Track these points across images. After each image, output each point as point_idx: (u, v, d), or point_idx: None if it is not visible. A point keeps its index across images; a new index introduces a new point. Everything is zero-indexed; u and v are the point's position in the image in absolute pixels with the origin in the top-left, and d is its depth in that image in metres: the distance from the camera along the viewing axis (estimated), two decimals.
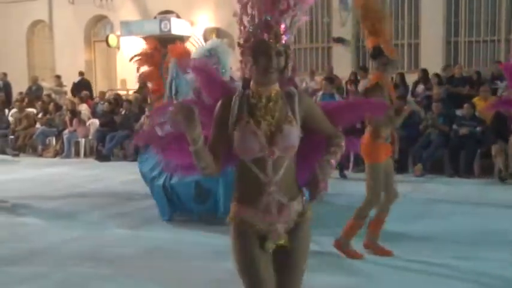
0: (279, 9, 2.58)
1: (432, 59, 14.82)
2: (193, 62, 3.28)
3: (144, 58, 8.87)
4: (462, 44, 15.46)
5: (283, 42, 2.57)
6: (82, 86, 17.28)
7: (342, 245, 5.45)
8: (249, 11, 2.60)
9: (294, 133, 2.58)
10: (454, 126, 10.80)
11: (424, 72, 13.64)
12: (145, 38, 9.09)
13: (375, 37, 5.44)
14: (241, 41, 2.61)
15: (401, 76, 13.91)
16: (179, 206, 7.14)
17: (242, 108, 2.59)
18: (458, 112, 11.21)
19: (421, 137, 10.97)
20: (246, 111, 2.58)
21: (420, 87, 13.23)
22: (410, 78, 13.87)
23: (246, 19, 2.62)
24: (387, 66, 5.40)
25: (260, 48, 2.54)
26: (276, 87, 2.61)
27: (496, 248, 5.79)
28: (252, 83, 2.62)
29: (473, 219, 7.09)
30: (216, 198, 6.76)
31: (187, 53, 7.85)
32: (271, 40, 2.54)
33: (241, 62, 2.63)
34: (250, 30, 2.59)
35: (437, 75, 13.07)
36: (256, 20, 2.58)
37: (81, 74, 17.96)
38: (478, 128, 10.57)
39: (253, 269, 2.61)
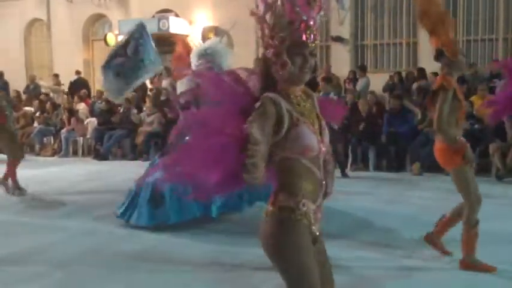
0: (312, 7, 2.58)
1: (430, 58, 14.78)
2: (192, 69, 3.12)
3: (177, 59, 8.68)
4: (460, 43, 15.46)
5: (316, 41, 2.61)
6: (79, 85, 17.27)
7: (470, 263, 5.14)
8: (278, 9, 2.56)
9: (327, 129, 2.69)
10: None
11: (422, 71, 13.66)
12: (177, 39, 8.96)
13: (436, 38, 5.25)
14: (275, 42, 2.54)
15: (399, 75, 13.94)
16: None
17: (290, 110, 2.56)
18: None
19: (419, 136, 10.98)
20: (297, 112, 2.57)
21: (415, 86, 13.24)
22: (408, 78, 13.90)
23: (270, 18, 2.57)
24: (451, 68, 5.18)
25: (297, 49, 2.54)
26: (302, 87, 2.65)
27: (497, 247, 5.79)
28: (281, 83, 2.59)
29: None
30: (167, 207, 6.58)
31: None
32: (308, 40, 2.56)
33: (274, 63, 2.56)
34: (286, 30, 2.53)
35: (435, 74, 13.07)
36: (287, 19, 2.54)
37: (78, 73, 17.94)
38: (476, 126, 10.57)
39: (311, 265, 2.56)
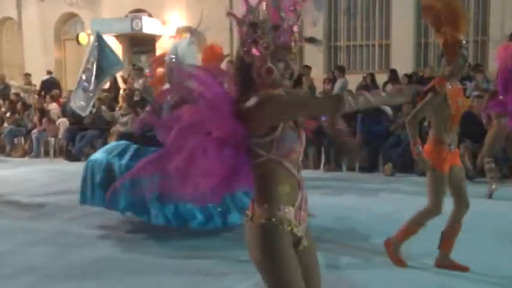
0: (297, 13, 2.56)
1: (402, 60, 14.97)
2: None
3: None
4: (432, 45, 15.64)
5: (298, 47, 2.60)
6: (50, 85, 17.08)
7: (391, 246, 5.22)
8: (261, 13, 2.55)
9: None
10: (425, 124, 10.92)
11: (393, 72, 13.78)
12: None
13: (441, 35, 4.95)
14: (260, 47, 2.50)
15: (372, 76, 14.04)
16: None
17: None
18: None
19: (391, 137, 11.06)
20: None
21: (389, 88, 13.35)
22: (381, 79, 14.00)
23: (252, 21, 2.53)
24: (450, 70, 4.97)
25: (280, 54, 2.53)
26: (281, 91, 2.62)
27: (468, 245, 5.84)
28: (260, 86, 2.55)
29: (444, 217, 7.15)
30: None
31: (221, 57, 7.80)
32: (292, 46, 2.54)
33: (258, 68, 2.52)
34: (270, 35, 2.50)
35: (407, 75, 13.23)
36: (271, 23, 2.52)
37: (49, 72, 17.73)
38: None
39: (293, 271, 2.54)
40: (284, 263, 2.51)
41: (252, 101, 2.47)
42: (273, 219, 2.53)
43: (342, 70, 14.42)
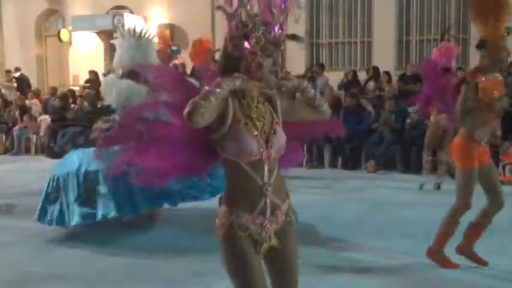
0: (287, 10, 2.61)
1: (384, 58, 15.04)
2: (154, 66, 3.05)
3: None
4: (413, 43, 15.74)
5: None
6: (21, 82, 16.94)
7: (435, 253, 5.12)
8: (251, 8, 2.55)
9: (282, 133, 2.63)
10: (408, 121, 10.99)
11: (375, 70, 13.84)
12: (158, 34, 8.55)
13: (483, 25, 4.72)
14: (251, 41, 2.50)
15: (354, 73, 14.09)
16: None
17: (235, 109, 2.54)
18: (410, 109, 11.40)
19: (373, 134, 11.12)
20: (241, 113, 2.55)
21: (371, 85, 13.42)
22: (362, 77, 14.07)
23: (242, 16, 2.54)
24: (489, 62, 4.74)
25: (269, 50, 2.54)
26: (261, 88, 2.61)
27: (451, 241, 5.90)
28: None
29: (426, 213, 7.22)
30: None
31: (209, 50, 7.72)
32: (281, 41, 2.58)
33: (248, 62, 2.52)
34: (261, 30, 2.52)
35: (387, 73, 13.31)
36: (261, 19, 2.54)
37: (17, 69, 17.54)
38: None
39: (250, 272, 2.57)
40: (240, 264, 2.57)
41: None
42: (227, 222, 2.58)
43: (321, 67, 14.45)
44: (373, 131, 11.19)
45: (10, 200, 8.46)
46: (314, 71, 14.35)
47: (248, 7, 2.53)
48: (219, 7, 2.58)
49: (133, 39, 6.82)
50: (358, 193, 8.84)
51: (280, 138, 2.61)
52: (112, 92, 6.80)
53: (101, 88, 7.01)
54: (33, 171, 11.24)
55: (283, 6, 2.57)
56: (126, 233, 6.49)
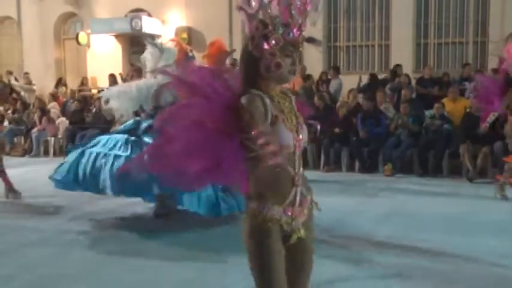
0: (306, 12, 2.64)
1: (402, 60, 14.97)
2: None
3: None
4: (431, 46, 15.65)
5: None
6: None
7: None
8: (272, 10, 2.59)
9: (305, 126, 2.75)
10: (425, 123, 10.93)
11: (394, 72, 13.78)
12: (172, 39, 8.82)
13: None
14: (271, 42, 2.57)
15: (373, 76, 14.04)
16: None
17: (272, 107, 2.61)
18: (428, 113, 11.34)
19: (391, 137, 11.07)
20: (277, 110, 2.63)
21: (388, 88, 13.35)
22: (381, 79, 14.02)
23: (262, 16, 2.59)
24: None
25: (289, 50, 2.61)
26: (280, 87, 2.72)
27: (468, 247, 5.86)
28: (264, 81, 2.63)
29: (443, 218, 7.18)
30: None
31: (224, 53, 7.80)
32: (300, 42, 2.63)
33: (267, 62, 2.58)
34: (280, 31, 2.58)
35: (407, 75, 13.25)
36: (281, 20, 2.58)
37: (10, 73, 17.73)
38: (446, 126, 10.69)
39: (275, 275, 2.61)
40: (267, 259, 2.60)
41: (242, 99, 2.56)
42: (260, 217, 2.61)
43: (336, 70, 14.43)
44: (390, 134, 11.13)
45: (28, 201, 8.53)
46: (329, 73, 14.34)
47: (268, 9, 2.58)
48: (240, 8, 2.63)
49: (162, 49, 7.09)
50: (375, 197, 8.80)
51: (305, 130, 2.73)
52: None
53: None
54: (48, 174, 11.31)
55: (302, 8, 2.60)
56: (145, 236, 6.51)
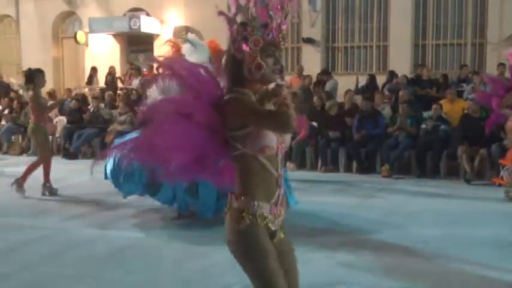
0: (285, 11, 2.68)
1: (400, 61, 15.00)
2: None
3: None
4: (429, 47, 15.68)
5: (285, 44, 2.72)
6: None
7: None
8: (250, 11, 2.64)
9: None
10: (423, 126, 10.94)
11: (392, 73, 13.80)
12: (169, 40, 8.89)
13: None
14: (250, 44, 2.61)
15: (372, 77, 14.05)
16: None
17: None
18: (425, 114, 11.36)
19: (388, 138, 11.07)
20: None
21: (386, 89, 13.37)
22: (379, 80, 14.02)
23: (240, 19, 2.65)
24: None
25: (270, 50, 2.64)
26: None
27: (464, 249, 5.88)
28: (250, 83, 2.66)
29: (441, 219, 7.19)
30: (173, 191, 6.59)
31: (220, 52, 7.82)
32: (280, 41, 2.66)
33: (248, 64, 2.62)
34: (260, 32, 2.62)
35: (405, 76, 13.27)
36: (260, 21, 2.63)
37: None
38: (443, 127, 10.71)
39: (276, 275, 2.62)
40: (261, 255, 2.61)
41: (226, 96, 2.62)
42: (248, 214, 2.63)
43: (328, 74, 14.45)
44: (388, 136, 11.14)
45: (26, 200, 8.53)
46: (323, 77, 14.32)
47: (251, 12, 2.64)
48: (220, 12, 2.70)
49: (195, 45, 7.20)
50: (373, 198, 8.81)
51: (288, 134, 2.76)
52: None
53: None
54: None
55: (280, 7, 2.65)
56: (145, 236, 6.54)
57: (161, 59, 2.88)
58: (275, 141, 2.65)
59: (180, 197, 6.59)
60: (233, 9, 2.65)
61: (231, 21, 2.66)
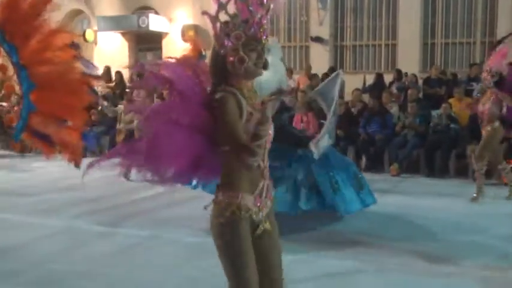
0: (265, 7, 2.71)
1: (409, 60, 14.95)
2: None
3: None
4: (438, 46, 15.62)
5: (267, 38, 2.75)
6: None
7: None
8: (231, 8, 2.71)
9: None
10: (434, 116, 10.90)
11: (399, 72, 13.76)
12: (188, 40, 8.76)
13: None
14: (232, 39, 2.67)
15: (379, 76, 14.01)
16: None
17: (244, 104, 2.69)
18: (434, 113, 11.32)
19: (397, 137, 11.05)
20: (251, 107, 2.71)
21: (395, 87, 13.33)
22: (387, 79, 13.99)
23: (224, 17, 2.71)
24: None
25: (252, 45, 2.68)
26: (249, 83, 2.80)
27: (474, 247, 5.86)
28: (234, 78, 2.71)
29: (450, 219, 7.17)
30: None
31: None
32: (261, 37, 2.70)
33: (231, 59, 2.67)
34: (241, 28, 2.67)
35: (414, 75, 13.22)
36: (241, 17, 2.69)
37: None
38: (452, 125, 10.66)
39: (247, 264, 2.71)
40: (237, 245, 2.70)
41: (216, 95, 2.65)
42: (233, 205, 2.70)
43: (334, 71, 14.38)
44: (397, 134, 11.11)
45: (35, 198, 8.56)
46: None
47: (227, 9, 2.72)
48: (204, 12, 2.77)
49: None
50: (381, 196, 8.75)
51: (271, 127, 2.76)
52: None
53: None
54: (58, 170, 11.34)
55: (259, 3, 2.70)
56: (152, 234, 6.54)
57: (148, 65, 2.88)
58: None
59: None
60: (215, 7, 2.72)
61: (213, 19, 2.73)
